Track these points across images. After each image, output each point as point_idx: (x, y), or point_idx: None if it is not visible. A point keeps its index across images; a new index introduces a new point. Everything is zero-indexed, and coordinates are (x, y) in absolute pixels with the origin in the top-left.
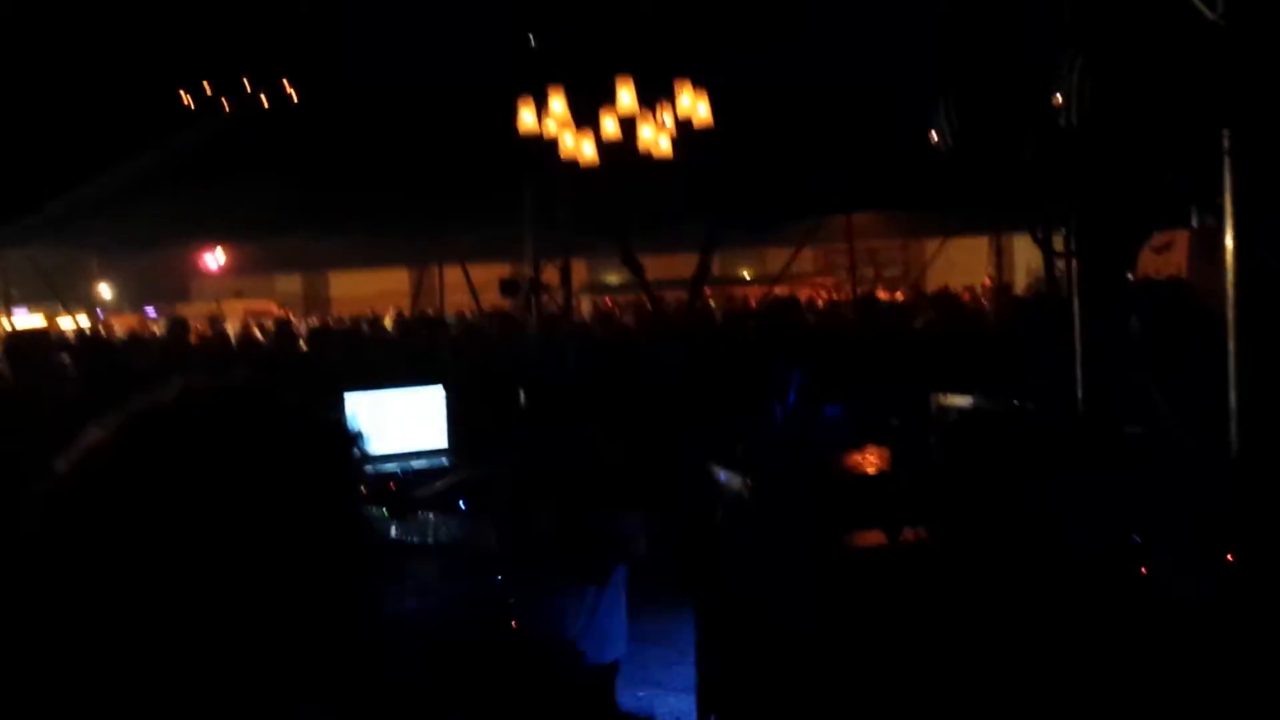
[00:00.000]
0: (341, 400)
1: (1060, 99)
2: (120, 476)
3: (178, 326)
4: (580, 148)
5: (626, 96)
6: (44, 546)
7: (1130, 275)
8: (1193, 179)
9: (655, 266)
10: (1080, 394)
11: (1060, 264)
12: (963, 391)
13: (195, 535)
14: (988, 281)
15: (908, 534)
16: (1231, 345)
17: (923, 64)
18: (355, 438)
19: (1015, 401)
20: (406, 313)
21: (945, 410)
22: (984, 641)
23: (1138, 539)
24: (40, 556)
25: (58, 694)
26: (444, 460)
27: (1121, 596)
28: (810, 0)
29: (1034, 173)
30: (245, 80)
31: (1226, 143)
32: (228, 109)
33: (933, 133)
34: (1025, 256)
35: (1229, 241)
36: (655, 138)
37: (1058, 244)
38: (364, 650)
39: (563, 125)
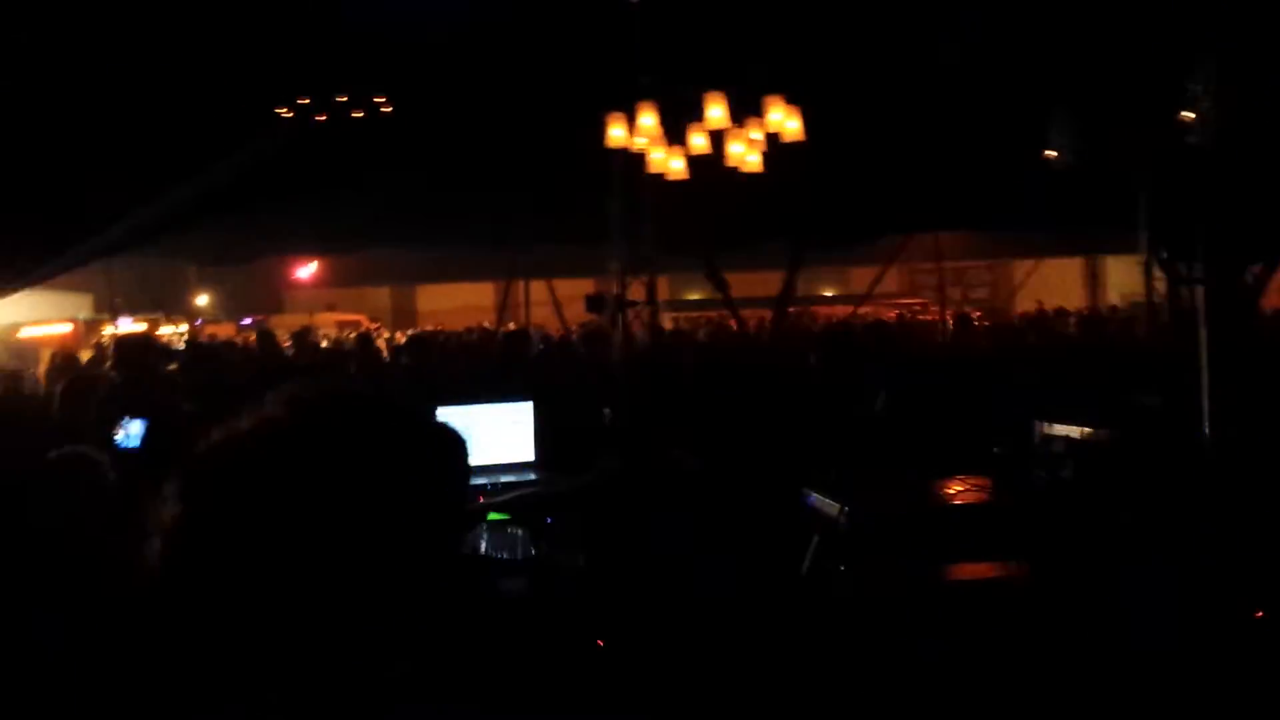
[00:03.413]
0: (434, 413)
1: (1190, 115)
2: (247, 485)
3: (267, 337)
4: (668, 163)
5: (717, 111)
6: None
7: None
8: None
9: (738, 284)
10: (1207, 424)
11: (1175, 286)
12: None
13: (309, 535)
14: (1040, 305)
15: (1010, 567)
16: None
17: (1022, 79)
18: (463, 443)
19: (1127, 431)
20: (491, 327)
21: (1050, 439)
22: (1089, 684)
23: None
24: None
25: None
26: (532, 474)
27: (1238, 646)
28: (907, 17)
29: (1160, 192)
30: (339, 95)
31: None
32: (322, 122)
33: (1050, 151)
34: (1119, 280)
35: None
36: (744, 154)
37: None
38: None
39: (653, 141)
